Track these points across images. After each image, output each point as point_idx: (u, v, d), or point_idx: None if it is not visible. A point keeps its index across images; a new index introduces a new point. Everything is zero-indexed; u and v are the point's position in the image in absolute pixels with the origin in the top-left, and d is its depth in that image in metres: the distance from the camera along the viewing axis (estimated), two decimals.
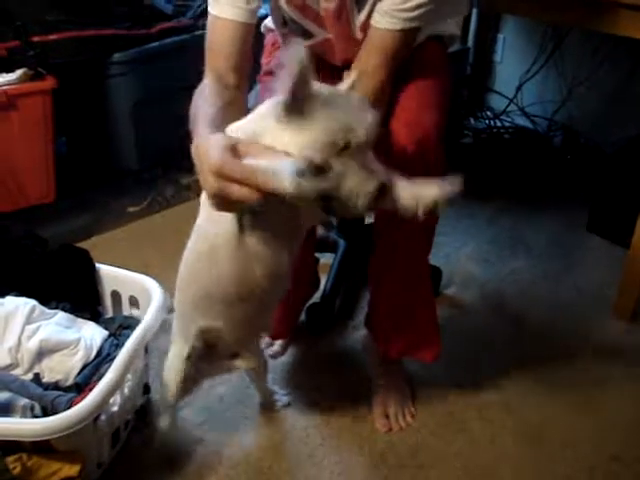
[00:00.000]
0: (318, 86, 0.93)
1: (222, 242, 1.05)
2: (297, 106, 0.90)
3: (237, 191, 0.86)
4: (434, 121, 1.27)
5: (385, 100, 1.22)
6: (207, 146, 0.91)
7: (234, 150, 0.88)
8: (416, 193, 0.97)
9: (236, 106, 1.15)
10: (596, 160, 2.36)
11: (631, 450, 1.41)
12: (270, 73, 1.41)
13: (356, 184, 0.90)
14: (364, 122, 0.92)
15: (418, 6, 1.15)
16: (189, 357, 1.23)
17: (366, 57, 1.20)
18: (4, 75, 1.79)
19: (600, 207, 2.16)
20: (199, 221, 1.10)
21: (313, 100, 0.91)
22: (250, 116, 1.00)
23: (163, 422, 1.35)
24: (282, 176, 0.83)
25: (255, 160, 0.87)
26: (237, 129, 0.98)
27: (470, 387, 1.55)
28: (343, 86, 1.02)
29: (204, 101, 1.10)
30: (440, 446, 1.41)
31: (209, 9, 1.20)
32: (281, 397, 1.51)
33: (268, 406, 1.49)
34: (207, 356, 1.25)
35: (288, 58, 0.87)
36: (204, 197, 1.03)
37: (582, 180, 2.39)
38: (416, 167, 1.21)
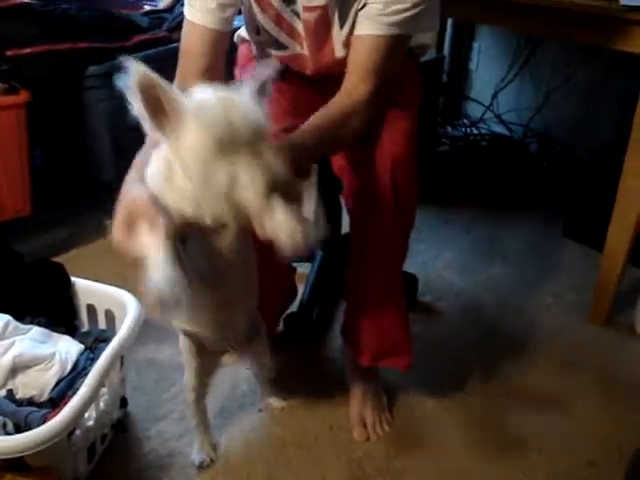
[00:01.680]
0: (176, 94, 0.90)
1: None
2: (164, 119, 0.89)
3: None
4: (406, 133, 1.29)
5: (371, 116, 1.21)
6: (120, 204, 0.95)
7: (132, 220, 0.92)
8: (275, 222, 0.90)
9: None
10: (572, 166, 2.39)
11: (605, 455, 1.42)
12: None
13: (251, 177, 0.87)
14: (243, 118, 0.88)
15: (400, 11, 1.14)
16: (195, 354, 1.27)
17: (349, 75, 1.20)
18: None
19: (576, 212, 2.18)
20: None
21: (178, 107, 0.88)
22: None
23: (194, 421, 1.38)
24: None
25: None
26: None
27: (447, 395, 1.56)
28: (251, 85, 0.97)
29: None
30: (417, 454, 1.42)
31: (184, 12, 1.21)
32: (277, 400, 1.52)
33: (264, 405, 1.51)
34: (202, 351, 1.28)
35: (130, 80, 0.85)
36: None
37: (558, 186, 2.42)
38: (389, 192, 1.25)
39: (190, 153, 0.87)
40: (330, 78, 1.25)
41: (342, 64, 1.22)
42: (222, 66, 1.25)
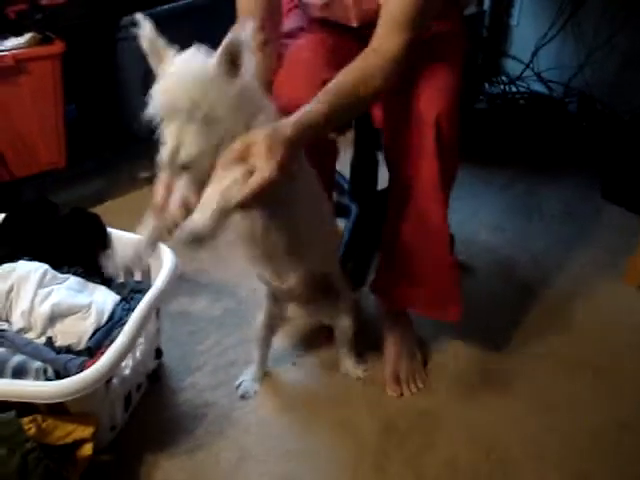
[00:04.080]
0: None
1: None
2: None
3: None
4: (450, 87, 1.26)
5: (401, 73, 1.18)
6: None
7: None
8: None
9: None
10: (612, 127, 2.32)
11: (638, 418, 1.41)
12: (288, 35, 1.38)
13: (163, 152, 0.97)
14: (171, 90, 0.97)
15: None
16: (267, 296, 1.38)
17: (378, 28, 1.17)
18: (13, 39, 1.77)
19: (615, 174, 2.13)
20: None
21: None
22: None
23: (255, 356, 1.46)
24: None
25: None
26: None
27: (480, 354, 1.55)
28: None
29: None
30: (450, 411, 1.42)
31: None
32: (355, 366, 1.50)
33: (343, 370, 1.51)
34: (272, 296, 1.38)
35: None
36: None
37: (597, 147, 2.36)
38: (432, 145, 1.22)
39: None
40: (371, 27, 1.21)
41: None
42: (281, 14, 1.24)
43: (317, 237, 1.23)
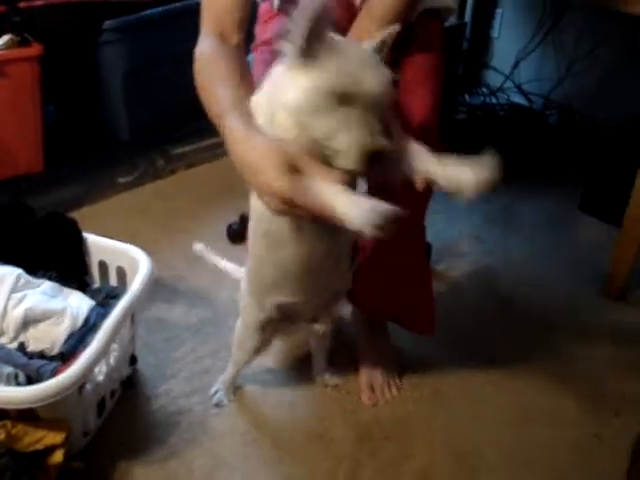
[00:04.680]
0: (334, 36, 0.92)
1: (277, 227, 1.05)
2: (308, 51, 0.88)
3: (303, 213, 0.87)
4: (431, 98, 1.26)
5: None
6: (260, 160, 0.89)
7: (293, 169, 0.87)
8: (453, 177, 0.96)
9: (243, 66, 1.11)
10: (591, 140, 2.35)
11: (612, 431, 1.41)
12: (266, 43, 1.38)
13: (350, 139, 0.88)
14: (373, 77, 0.90)
15: None
16: (264, 326, 1.28)
17: (359, 20, 1.16)
18: None
19: (593, 187, 2.15)
20: (253, 201, 1.08)
21: (326, 48, 0.89)
22: (264, 83, 0.99)
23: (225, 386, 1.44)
24: (357, 223, 0.83)
25: (320, 188, 0.86)
26: (258, 100, 0.98)
27: (456, 363, 1.56)
28: (370, 44, 0.98)
29: (216, 76, 1.06)
30: (425, 420, 1.42)
31: None
32: (332, 376, 1.49)
33: (318, 381, 1.49)
34: (283, 323, 1.29)
35: (307, 3, 0.85)
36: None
37: (577, 159, 2.38)
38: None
39: (313, 89, 0.88)
40: None
41: None
42: (250, 17, 1.21)
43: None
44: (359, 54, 0.93)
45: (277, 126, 0.93)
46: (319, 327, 1.35)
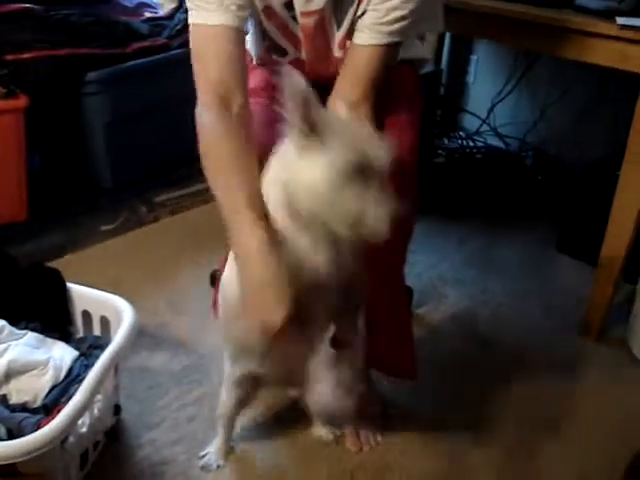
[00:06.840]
0: (324, 112, 0.96)
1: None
2: (312, 131, 0.92)
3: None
4: (409, 142, 1.30)
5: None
6: (267, 299, 0.98)
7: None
8: None
9: (248, 139, 1.12)
10: (566, 181, 2.40)
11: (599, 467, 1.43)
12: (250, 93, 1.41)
13: (380, 210, 0.94)
14: (379, 148, 0.95)
15: (399, 19, 1.16)
16: (241, 382, 1.27)
17: (350, 86, 1.21)
18: None
19: (569, 227, 2.20)
20: (226, 272, 1.12)
21: (324, 123, 0.93)
22: (273, 163, 1.02)
23: (216, 444, 1.40)
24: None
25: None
26: (269, 184, 1.02)
27: (438, 409, 1.57)
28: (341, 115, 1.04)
29: (225, 161, 1.08)
30: (410, 466, 1.42)
31: (193, 20, 1.12)
32: (328, 432, 1.48)
33: (316, 433, 1.48)
34: (257, 384, 1.29)
35: (289, 89, 0.89)
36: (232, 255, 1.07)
37: (552, 200, 2.43)
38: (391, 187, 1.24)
39: (326, 171, 0.92)
40: (328, 87, 1.26)
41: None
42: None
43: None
44: (356, 126, 0.99)
45: (295, 208, 0.97)
46: (295, 393, 1.35)
